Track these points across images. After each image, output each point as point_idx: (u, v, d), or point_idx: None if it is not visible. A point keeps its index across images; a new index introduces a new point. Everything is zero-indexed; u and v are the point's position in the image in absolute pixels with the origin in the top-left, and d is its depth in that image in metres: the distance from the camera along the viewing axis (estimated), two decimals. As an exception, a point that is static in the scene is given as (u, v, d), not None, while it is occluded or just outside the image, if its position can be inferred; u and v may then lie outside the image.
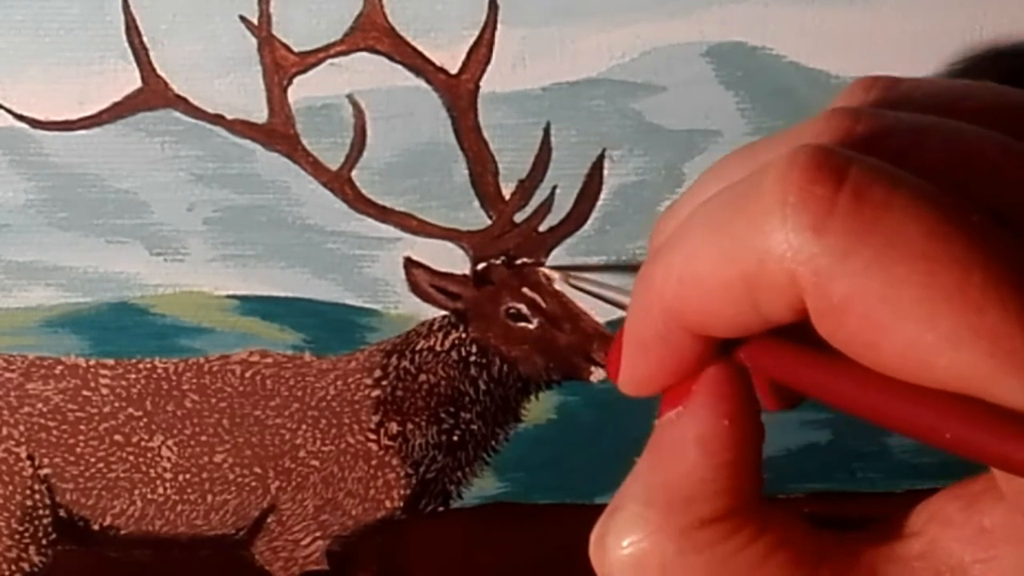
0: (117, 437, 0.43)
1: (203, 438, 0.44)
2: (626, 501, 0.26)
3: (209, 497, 0.44)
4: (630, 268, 0.41)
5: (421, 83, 0.38)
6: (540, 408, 0.45)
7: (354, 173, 0.39)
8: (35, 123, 0.38)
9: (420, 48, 0.37)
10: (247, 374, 0.43)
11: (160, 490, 0.44)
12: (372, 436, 0.44)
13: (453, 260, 0.41)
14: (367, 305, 0.42)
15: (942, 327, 0.21)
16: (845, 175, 0.22)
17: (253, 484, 0.44)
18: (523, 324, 0.42)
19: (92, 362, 0.43)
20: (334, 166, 0.39)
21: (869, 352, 0.22)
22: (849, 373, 0.23)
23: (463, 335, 0.43)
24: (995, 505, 0.24)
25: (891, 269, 0.22)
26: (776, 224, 0.22)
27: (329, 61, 0.37)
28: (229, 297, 0.42)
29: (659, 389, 0.27)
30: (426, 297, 0.42)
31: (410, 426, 0.44)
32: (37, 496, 0.44)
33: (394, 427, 0.44)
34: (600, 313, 0.42)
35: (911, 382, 0.22)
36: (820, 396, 0.24)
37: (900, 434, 0.23)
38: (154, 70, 0.37)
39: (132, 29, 0.36)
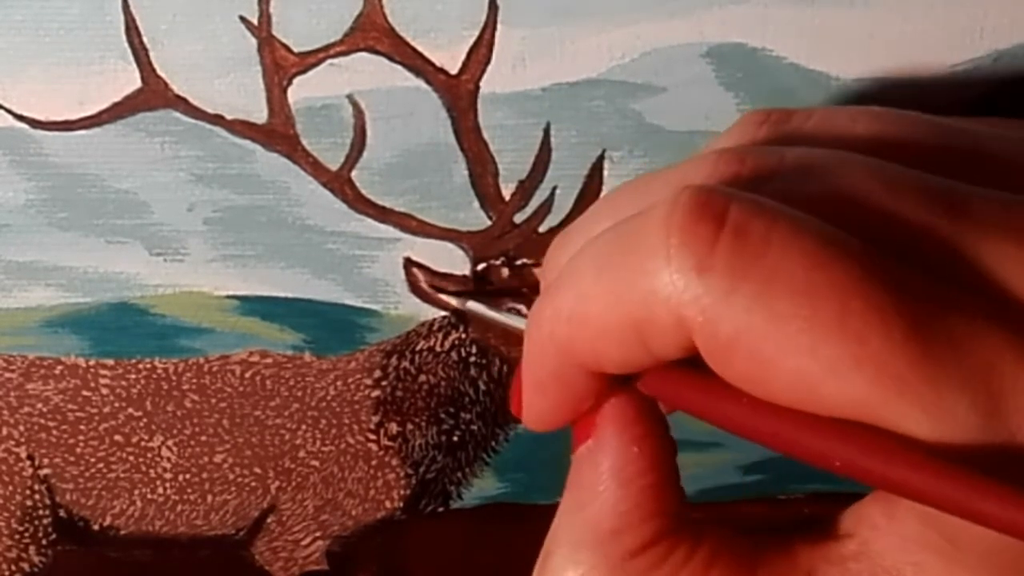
0: (117, 437, 0.43)
1: (203, 438, 0.44)
2: (556, 545, 0.27)
3: (209, 497, 0.44)
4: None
5: (421, 83, 0.38)
6: (540, 408, 0.45)
7: (354, 173, 0.39)
8: (35, 123, 0.38)
9: (420, 48, 0.37)
10: (247, 374, 0.43)
11: (160, 490, 0.44)
12: (372, 436, 0.44)
13: (453, 260, 0.41)
14: (367, 305, 0.42)
15: (825, 358, 0.22)
16: (726, 213, 0.22)
17: (253, 484, 0.44)
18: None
19: (92, 362, 0.43)
20: (334, 166, 0.39)
21: (759, 387, 0.23)
22: (742, 400, 0.23)
23: (463, 335, 0.43)
24: (910, 514, 0.24)
25: (773, 305, 0.22)
26: (660, 265, 0.22)
27: (329, 61, 0.37)
28: (229, 297, 0.42)
29: (562, 424, 0.27)
30: (426, 298, 0.42)
31: (410, 426, 0.44)
32: (37, 496, 0.44)
33: (394, 427, 0.44)
34: (600, 314, 0.42)
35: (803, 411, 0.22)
36: (716, 423, 0.24)
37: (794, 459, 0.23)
38: (154, 70, 0.37)
39: (132, 29, 0.36)
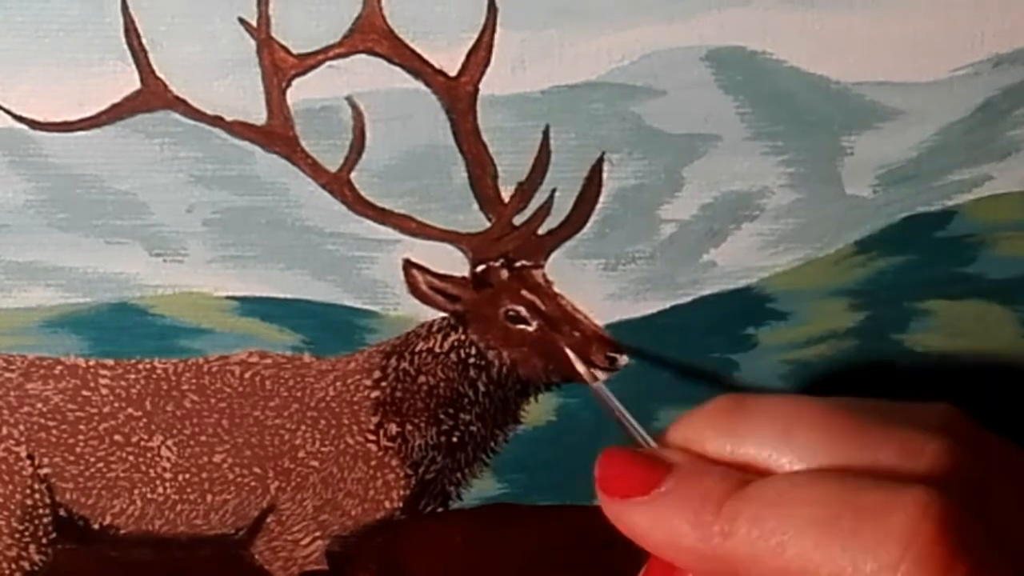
0: (117, 437, 0.43)
1: (203, 438, 0.44)
2: None
3: (209, 497, 0.44)
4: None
5: (420, 85, 0.38)
6: (539, 410, 0.45)
7: (353, 175, 0.39)
8: (34, 124, 0.38)
9: (419, 50, 0.37)
10: (246, 375, 0.43)
11: (160, 490, 0.44)
12: (371, 437, 0.45)
13: (452, 262, 0.41)
14: (366, 306, 0.42)
15: None
16: (966, 548, 0.25)
17: (252, 484, 0.45)
18: (522, 326, 0.42)
19: (92, 362, 0.43)
20: (333, 168, 0.39)
21: None
22: None
23: (462, 337, 0.43)
24: None
25: None
26: (891, 563, 0.25)
27: (328, 63, 0.37)
28: (228, 298, 0.42)
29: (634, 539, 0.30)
30: (425, 299, 0.42)
31: (409, 427, 0.44)
32: (37, 495, 0.44)
33: (393, 428, 0.44)
34: (599, 316, 0.42)
35: None
36: None
37: None
38: (153, 72, 0.37)
39: (131, 31, 0.36)
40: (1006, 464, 0.29)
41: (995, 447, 0.30)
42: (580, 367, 0.41)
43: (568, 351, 0.42)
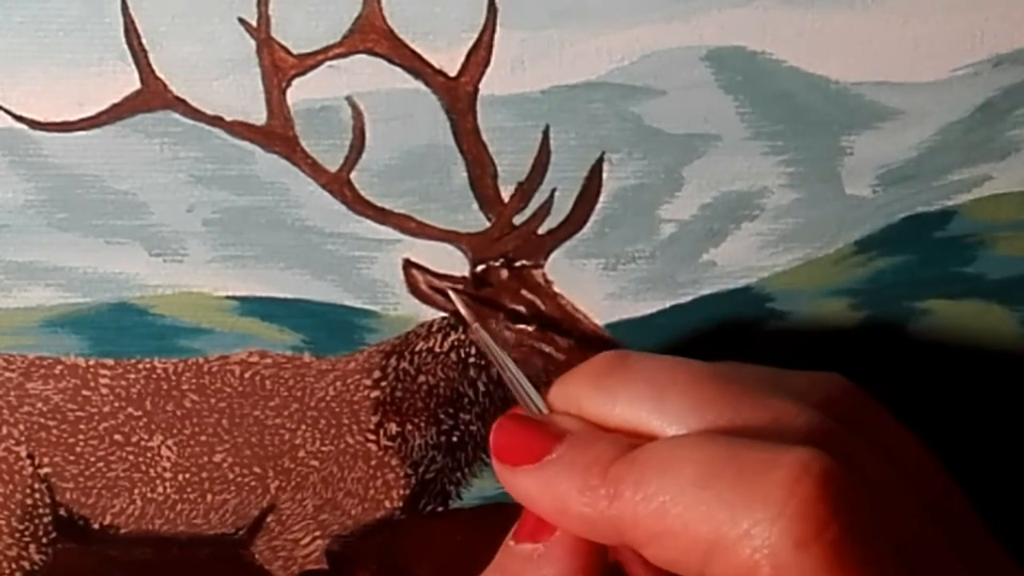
0: (117, 436, 0.43)
1: (203, 438, 0.44)
2: None
3: (209, 496, 0.44)
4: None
5: (420, 85, 0.38)
6: (539, 409, 0.45)
7: (353, 175, 0.39)
8: (34, 124, 0.38)
9: (419, 50, 0.37)
10: (246, 374, 0.43)
11: (160, 489, 0.44)
12: (371, 436, 0.45)
13: (452, 262, 0.41)
14: (366, 306, 0.42)
15: None
16: (844, 508, 0.25)
17: (253, 484, 0.45)
18: (522, 326, 0.42)
19: (92, 362, 0.43)
20: (333, 168, 0.39)
21: None
22: None
23: (462, 337, 0.43)
24: None
25: None
26: (769, 518, 0.25)
27: (328, 63, 0.37)
28: (228, 298, 0.42)
29: (526, 505, 0.30)
30: (425, 299, 0.42)
31: (409, 427, 0.45)
32: (37, 495, 0.44)
33: (393, 428, 0.44)
34: (599, 316, 0.42)
35: None
36: None
37: None
38: (153, 72, 0.37)
39: (131, 31, 0.36)
40: (887, 443, 0.29)
41: (879, 423, 0.30)
42: (461, 307, 0.40)
43: (452, 292, 0.41)
